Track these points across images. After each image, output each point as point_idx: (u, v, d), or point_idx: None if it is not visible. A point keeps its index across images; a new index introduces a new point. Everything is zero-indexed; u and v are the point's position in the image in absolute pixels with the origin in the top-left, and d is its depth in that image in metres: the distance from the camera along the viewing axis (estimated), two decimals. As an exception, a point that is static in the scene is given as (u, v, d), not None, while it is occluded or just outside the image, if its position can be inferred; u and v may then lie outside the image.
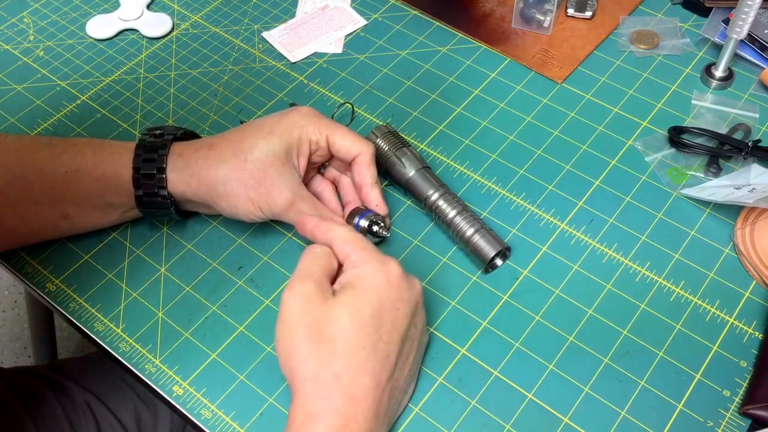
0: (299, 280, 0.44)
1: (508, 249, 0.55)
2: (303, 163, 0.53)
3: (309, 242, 0.57)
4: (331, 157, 0.56)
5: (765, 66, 0.66)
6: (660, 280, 0.54)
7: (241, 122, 0.54)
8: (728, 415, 0.48)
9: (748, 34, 0.65)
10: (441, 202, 0.55)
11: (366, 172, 0.54)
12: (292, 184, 0.51)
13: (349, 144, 0.53)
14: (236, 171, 0.50)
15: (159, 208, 0.52)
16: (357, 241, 0.46)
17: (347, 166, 0.56)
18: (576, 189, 0.59)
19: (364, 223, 0.53)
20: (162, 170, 0.51)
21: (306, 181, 0.54)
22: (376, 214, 0.54)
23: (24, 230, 0.54)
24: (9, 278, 1.41)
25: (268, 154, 0.50)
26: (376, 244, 0.54)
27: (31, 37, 0.73)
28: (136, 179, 0.51)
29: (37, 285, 0.56)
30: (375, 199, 0.54)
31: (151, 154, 0.51)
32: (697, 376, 0.49)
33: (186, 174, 0.51)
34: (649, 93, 0.65)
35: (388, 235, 0.54)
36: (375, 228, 0.53)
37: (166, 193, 0.51)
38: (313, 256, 0.46)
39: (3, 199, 0.52)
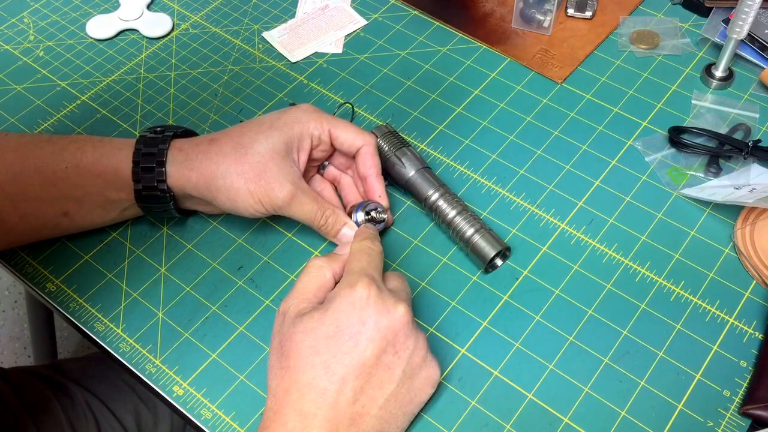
0: (287, 299, 0.46)
1: (508, 249, 0.55)
2: (303, 158, 0.53)
3: (309, 242, 0.57)
4: (332, 153, 0.56)
5: (765, 66, 0.66)
6: (660, 280, 0.54)
7: (241, 122, 0.54)
8: (728, 415, 0.48)
9: (748, 34, 0.65)
10: (441, 202, 0.55)
11: (371, 163, 0.54)
12: (292, 177, 0.51)
13: (353, 136, 0.53)
14: (236, 164, 0.50)
15: (158, 203, 0.52)
16: (351, 260, 0.47)
17: (349, 162, 0.56)
18: (576, 189, 0.59)
19: (361, 216, 0.53)
20: (162, 164, 0.51)
21: (306, 181, 0.54)
22: (371, 202, 0.54)
23: (24, 228, 0.54)
24: (9, 278, 1.41)
25: (268, 147, 0.50)
26: (380, 232, 0.54)
27: (31, 37, 0.73)
28: (136, 173, 0.51)
29: (37, 285, 0.56)
30: (379, 190, 0.54)
31: (151, 149, 0.51)
32: (697, 376, 0.49)
33: (186, 168, 0.51)
34: (649, 93, 0.65)
35: (386, 216, 0.54)
36: (372, 214, 0.53)
37: (166, 187, 0.51)
38: (309, 277, 0.47)
39: (3, 196, 0.52)
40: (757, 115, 0.63)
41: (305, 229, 0.57)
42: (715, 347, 0.50)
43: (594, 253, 0.55)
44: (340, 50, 0.70)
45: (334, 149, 0.56)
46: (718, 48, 0.68)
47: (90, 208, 0.54)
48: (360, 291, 0.43)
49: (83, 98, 0.68)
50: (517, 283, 0.54)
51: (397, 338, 0.43)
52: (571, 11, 0.71)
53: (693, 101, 0.64)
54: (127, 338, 0.53)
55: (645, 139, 0.62)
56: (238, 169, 0.50)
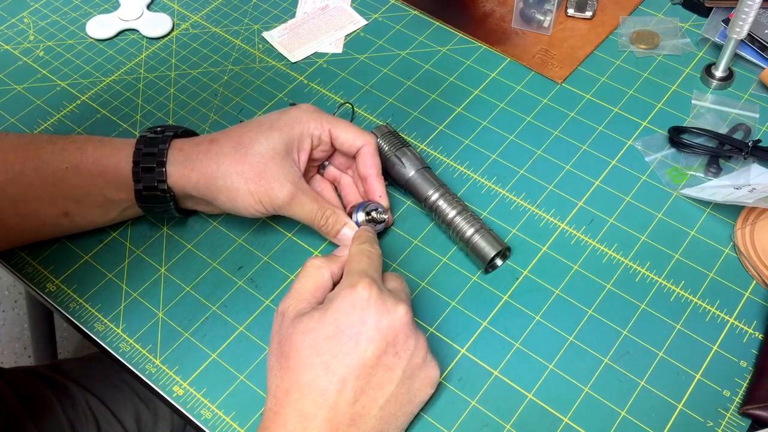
0: (285, 299, 0.46)
1: (508, 249, 0.55)
2: (303, 158, 0.53)
3: (309, 242, 0.57)
4: (332, 153, 0.56)
5: (765, 66, 0.66)
6: (660, 280, 0.54)
7: (242, 122, 0.55)
8: (728, 415, 0.48)
9: (748, 34, 0.65)
10: (441, 202, 0.55)
11: (371, 163, 0.54)
12: (293, 177, 0.51)
13: (353, 136, 0.53)
14: (236, 164, 0.50)
15: (158, 203, 0.52)
16: (351, 262, 0.47)
17: (349, 162, 0.56)
18: (576, 189, 0.59)
19: (361, 216, 0.53)
20: (162, 164, 0.51)
21: (306, 181, 0.54)
22: (372, 202, 0.54)
23: (24, 228, 0.54)
24: (9, 278, 1.41)
25: (268, 148, 0.50)
26: (380, 232, 0.54)
27: (31, 37, 0.73)
28: (136, 173, 0.51)
29: (37, 285, 0.56)
30: (379, 190, 0.54)
31: (152, 149, 0.51)
32: (697, 376, 0.49)
33: (186, 168, 0.51)
34: (649, 93, 0.65)
35: (386, 217, 0.54)
36: (373, 214, 0.53)
37: (166, 187, 0.51)
38: (307, 277, 0.47)
39: (3, 196, 0.52)
40: (757, 115, 0.63)
41: (305, 229, 0.57)
42: (715, 347, 0.50)
43: (594, 253, 0.55)
44: (340, 50, 0.70)
45: (334, 149, 0.56)
46: (718, 48, 0.68)
47: (90, 208, 0.54)
48: (361, 291, 0.43)
49: (83, 98, 0.68)
50: (517, 283, 0.54)
51: (397, 339, 0.43)
52: (571, 11, 0.71)
53: (693, 101, 0.64)
54: (127, 338, 0.53)
55: (645, 139, 0.62)
56: (239, 169, 0.50)
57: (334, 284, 0.47)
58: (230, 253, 0.57)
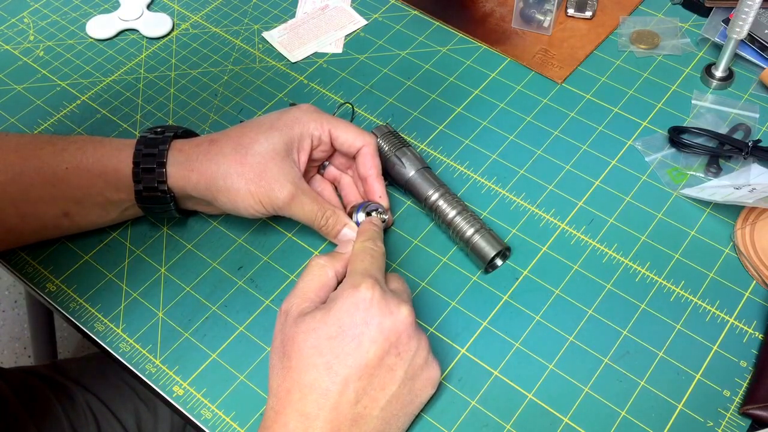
0: (289, 298, 0.46)
1: (508, 249, 0.55)
2: (303, 158, 0.53)
3: (309, 242, 0.57)
4: (332, 153, 0.56)
5: (765, 66, 0.66)
6: (660, 280, 0.54)
7: (242, 122, 0.55)
8: (728, 415, 0.48)
9: (748, 34, 0.65)
10: (441, 202, 0.55)
11: (371, 163, 0.54)
12: (293, 177, 0.51)
13: (353, 137, 0.53)
14: (236, 165, 0.50)
15: (158, 204, 0.52)
16: (354, 261, 0.47)
17: (349, 162, 0.56)
18: (576, 189, 0.59)
19: (361, 216, 0.53)
20: (162, 164, 0.51)
21: (306, 181, 0.54)
22: (372, 202, 0.54)
23: (24, 228, 0.54)
24: (9, 278, 1.41)
25: (268, 148, 0.50)
26: None
27: (31, 37, 0.73)
28: (136, 173, 0.51)
29: (37, 285, 0.56)
30: (379, 191, 0.54)
31: (152, 149, 0.51)
32: (697, 376, 0.49)
33: (186, 168, 0.51)
34: (649, 93, 0.65)
35: (386, 217, 0.54)
36: (373, 214, 0.53)
37: (166, 188, 0.51)
38: (312, 276, 0.47)
39: (4, 196, 0.52)
40: (757, 115, 0.63)
41: (305, 229, 0.57)
42: (715, 347, 0.50)
43: (594, 253, 0.55)
44: (340, 50, 0.70)
45: (334, 149, 0.56)
46: (718, 48, 0.68)
47: (90, 209, 0.54)
48: (364, 292, 0.43)
49: (83, 98, 0.68)
50: (517, 283, 0.54)
51: (399, 340, 0.43)
52: (571, 11, 0.71)
53: (693, 101, 0.64)
54: (127, 338, 0.53)
55: (645, 139, 0.62)
56: (239, 170, 0.50)
57: (338, 282, 0.47)
58: (230, 253, 0.57)
